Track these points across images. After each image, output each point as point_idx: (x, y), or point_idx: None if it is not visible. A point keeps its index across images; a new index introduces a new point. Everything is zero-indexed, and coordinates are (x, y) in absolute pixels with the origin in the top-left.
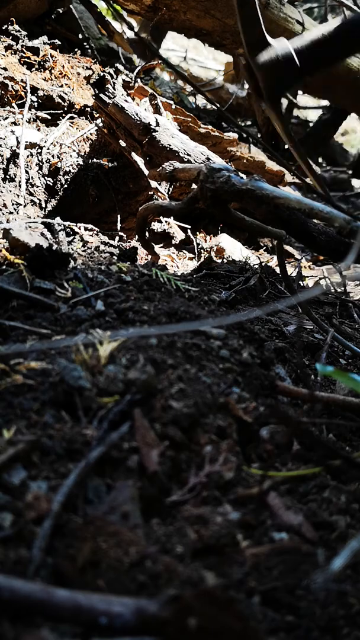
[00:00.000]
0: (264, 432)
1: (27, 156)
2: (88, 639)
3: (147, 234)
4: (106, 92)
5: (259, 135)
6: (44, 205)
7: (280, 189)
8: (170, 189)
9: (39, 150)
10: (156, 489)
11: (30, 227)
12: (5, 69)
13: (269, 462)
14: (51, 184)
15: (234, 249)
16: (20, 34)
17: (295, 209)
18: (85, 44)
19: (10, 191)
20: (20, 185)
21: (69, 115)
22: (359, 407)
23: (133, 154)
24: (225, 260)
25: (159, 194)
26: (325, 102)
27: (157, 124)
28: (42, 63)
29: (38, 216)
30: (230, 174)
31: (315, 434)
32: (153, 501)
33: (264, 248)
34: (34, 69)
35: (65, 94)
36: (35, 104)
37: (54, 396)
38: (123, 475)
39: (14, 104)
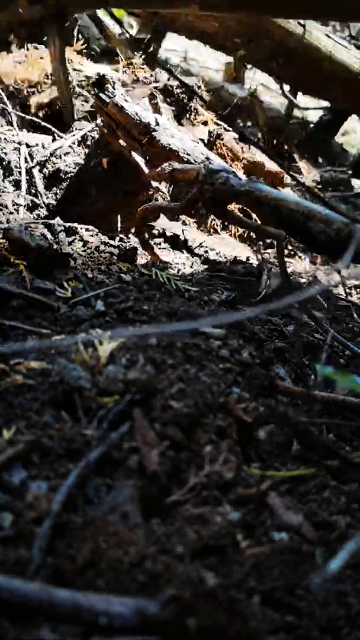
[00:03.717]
0: (261, 432)
1: (28, 156)
2: (88, 639)
3: (146, 234)
4: (106, 92)
5: (260, 136)
6: (44, 205)
7: (278, 191)
8: (170, 188)
9: (40, 150)
10: (156, 489)
11: (30, 227)
12: None
13: (269, 462)
14: (51, 184)
15: (233, 249)
16: None
17: (294, 211)
18: (85, 44)
19: (11, 191)
20: (20, 186)
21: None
22: (359, 407)
23: (133, 153)
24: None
25: (160, 193)
26: (326, 103)
27: (157, 124)
28: None
29: (38, 216)
30: (229, 175)
31: (315, 434)
32: (153, 501)
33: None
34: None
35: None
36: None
37: (54, 396)
38: (123, 475)
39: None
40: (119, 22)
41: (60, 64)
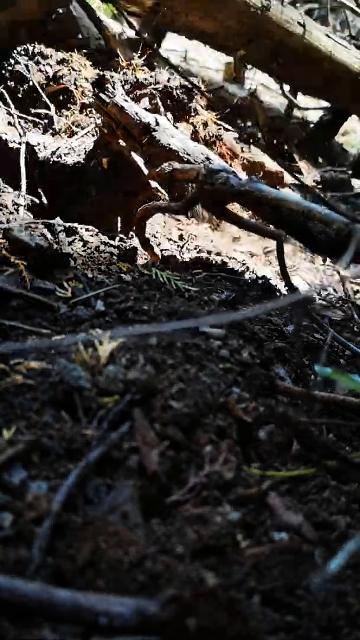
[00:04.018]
0: (261, 432)
1: (28, 156)
2: (88, 639)
3: (146, 234)
4: (106, 92)
5: (260, 136)
6: (44, 205)
7: (278, 190)
8: (170, 188)
9: (40, 150)
10: (156, 489)
11: (30, 227)
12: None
13: (269, 462)
14: (51, 184)
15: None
16: None
17: (294, 211)
18: (84, 44)
19: (11, 191)
20: (20, 186)
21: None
22: (359, 407)
23: (133, 153)
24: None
25: (159, 193)
26: (326, 103)
27: (157, 124)
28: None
29: (38, 216)
30: (229, 175)
31: (315, 434)
32: (153, 501)
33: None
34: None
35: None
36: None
37: (54, 396)
38: (123, 475)
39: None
40: (128, 22)
41: None
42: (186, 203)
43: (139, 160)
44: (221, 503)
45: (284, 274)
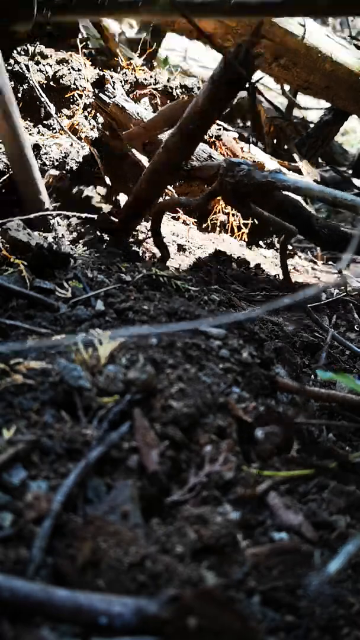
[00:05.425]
0: (261, 432)
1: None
2: (88, 639)
3: (162, 230)
4: (106, 92)
5: (260, 136)
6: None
7: (301, 180)
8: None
9: (44, 150)
10: (156, 489)
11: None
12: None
13: (269, 462)
14: (53, 184)
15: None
16: None
17: (318, 198)
18: (84, 43)
19: None
20: None
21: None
22: (359, 405)
23: (137, 153)
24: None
25: (167, 191)
26: (326, 103)
27: None
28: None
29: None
30: (250, 168)
31: (315, 433)
32: (153, 501)
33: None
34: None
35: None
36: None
37: (54, 396)
38: (123, 475)
39: None
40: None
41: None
42: (206, 198)
43: (144, 160)
44: (221, 503)
45: (284, 272)
